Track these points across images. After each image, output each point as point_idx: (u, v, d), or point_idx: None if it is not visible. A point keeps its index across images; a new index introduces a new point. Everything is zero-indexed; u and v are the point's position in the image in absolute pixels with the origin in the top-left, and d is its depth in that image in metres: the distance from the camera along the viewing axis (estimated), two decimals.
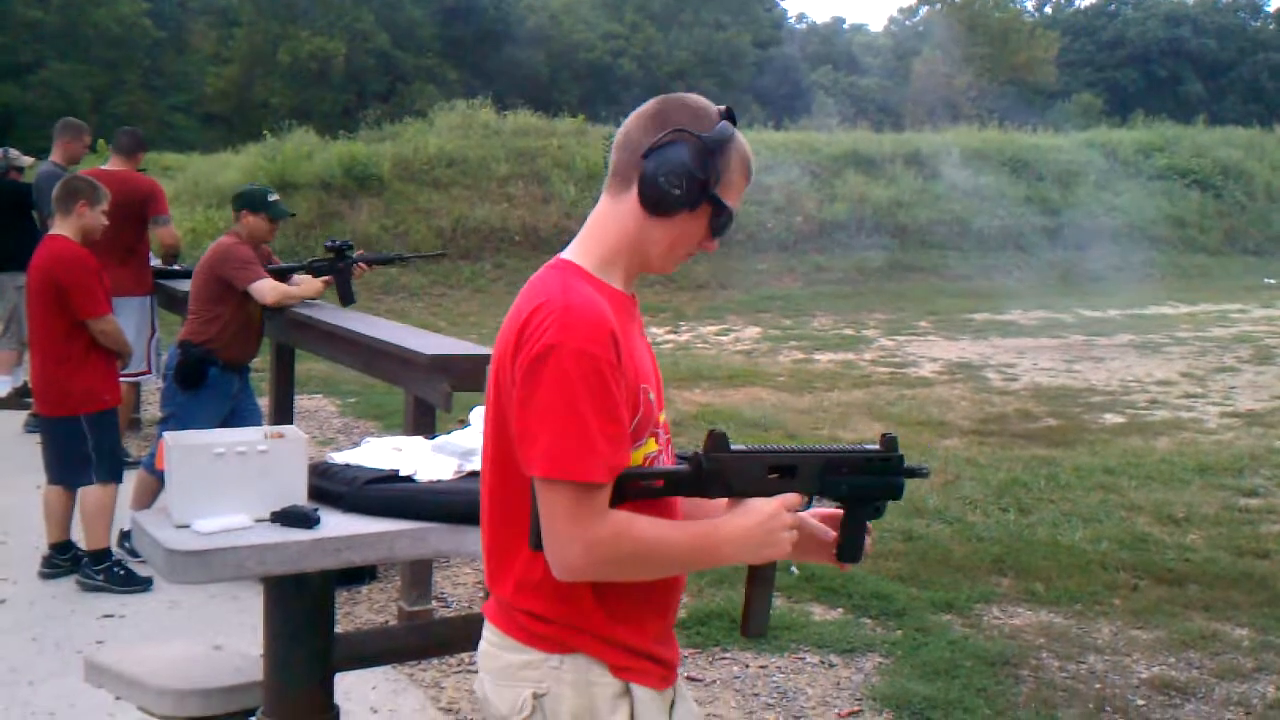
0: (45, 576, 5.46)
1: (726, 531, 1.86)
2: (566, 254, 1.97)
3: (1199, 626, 5.04)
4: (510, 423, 1.83)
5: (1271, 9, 59.25)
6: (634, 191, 1.92)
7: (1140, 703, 4.32)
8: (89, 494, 5.35)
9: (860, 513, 1.99)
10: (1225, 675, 4.55)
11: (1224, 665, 4.64)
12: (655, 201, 1.90)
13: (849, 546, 1.99)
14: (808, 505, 1.95)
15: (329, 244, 6.14)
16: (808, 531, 2.02)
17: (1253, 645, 4.85)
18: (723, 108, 1.98)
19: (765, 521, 1.86)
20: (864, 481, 1.95)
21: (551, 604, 1.88)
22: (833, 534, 2.03)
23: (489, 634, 1.97)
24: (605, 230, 1.96)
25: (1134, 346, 14.18)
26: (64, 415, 5.31)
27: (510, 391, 1.83)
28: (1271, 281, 22.27)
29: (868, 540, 2.01)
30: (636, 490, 1.84)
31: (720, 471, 1.85)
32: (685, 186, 1.89)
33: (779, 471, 1.89)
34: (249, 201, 5.80)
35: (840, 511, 2.01)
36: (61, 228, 5.36)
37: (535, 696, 1.88)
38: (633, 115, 1.98)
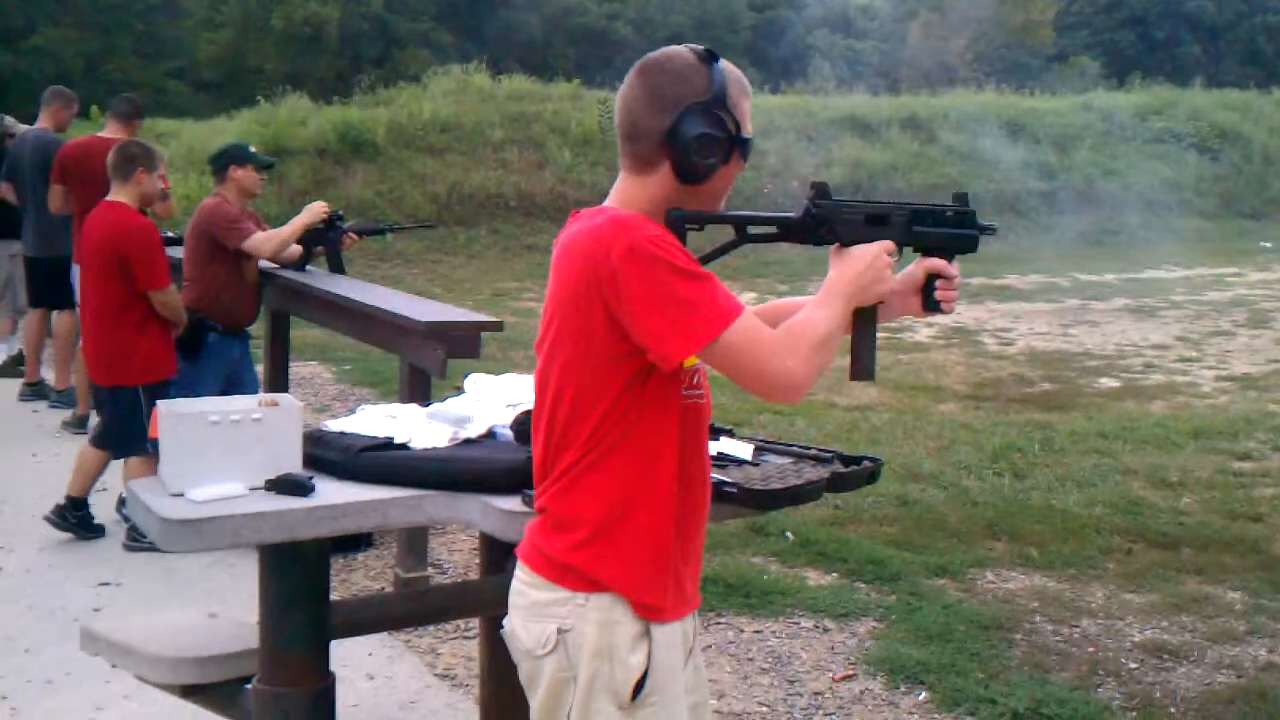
0: (51, 524, 5.46)
1: (842, 281, 2.02)
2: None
3: (1191, 590, 5.07)
4: (630, 333, 1.91)
5: None
6: (664, 170, 2.01)
7: (1133, 666, 4.35)
8: (134, 462, 5.29)
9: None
10: (1217, 639, 4.58)
11: (1216, 629, 4.67)
12: (697, 175, 2.01)
13: (931, 297, 2.13)
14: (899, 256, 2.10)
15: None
16: (900, 279, 2.14)
17: (1245, 609, 4.88)
18: (699, 49, 2.05)
19: (872, 262, 2.03)
20: (944, 232, 2.11)
21: (579, 548, 1.99)
22: (921, 280, 2.14)
23: (520, 572, 2.07)
24: (639, 201, 2.03)
25: (1129, 310, 14.19)
26: (122, 385, 5.28)
27: (605, 311, 1.91)
28: (1268, 245, 22.24)
29: (953, 295, 2.13)
30: (754, 237, 2.08)
31: (827, 218, 2.06)
32: (716, 151, 2.00)
33: (874, 220, 2.07)
34: (234, 156, 5.77)
35: (920, 274, 2.13)
36: (119, 194, 5.30)
37: (560, 632, 1.99)
38: (623, 98, 2.05)
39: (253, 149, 5.89)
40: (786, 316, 2.04)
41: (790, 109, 22.91)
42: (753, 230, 2.09)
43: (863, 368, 2.11)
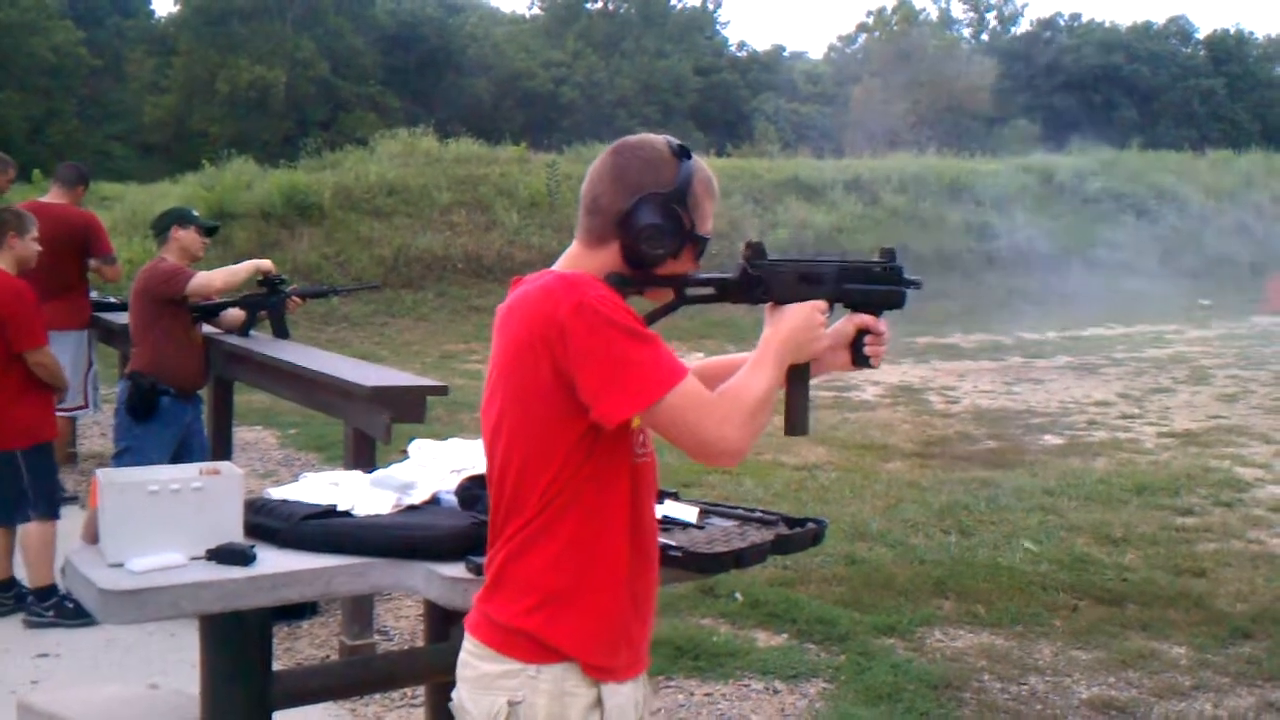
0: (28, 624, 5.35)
1: (778, 339, 2.06)
2: None
3: (1138, 646, 5.10)
4: (574, 390, 1.92)
5: (1202, 35, 60.32)
6: (614, 248, 2.05)
7: None
8: (29, 531, 5.25)
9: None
10: (1164, 694, 4.61)
11: (1162, 684, 4.70)
12: (643, 262, 2.05)
13: (860, 352, 2.17)
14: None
15: (261, 278, 6.07)
16: (830, 335, 2.17)
17: (1190, 664, 4.91)
18: (674, 143, 2.10)
19: (806, 320, 2.07)
20: (873, 289, 2.15)
21: (532, 612, 1.98)
22: (851, 335, 2.17)
23: (468, 643, 2.06)
24: (586, 271, 2.05)
25: (1072, 368, 14.36)
26: (2, 450, 5.22)
27: (552, 367, 1.92)
28: (1206, 303, 22.65)
29: (880, 350, 2.17)
30: (693, 298, 2.12)
31: (762, 277, 2.11)
32: (666, 244, 2.04)
33: (807, 279, 2.12)
34: (176, 217, 5.74)
35: (850, 330, 2.17)
36: None
37: (510, 704, 1.97)
38: (592, 173, 2.10)
39: (195, 212, 5.88)
40: (725, 374, 2.06)
41: (736, 171, 23.14)
42: (691, 291, 2.12)
43: (797, 423, 2.14)
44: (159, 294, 5.55)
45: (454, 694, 2.08)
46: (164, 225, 5.72)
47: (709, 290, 2.14)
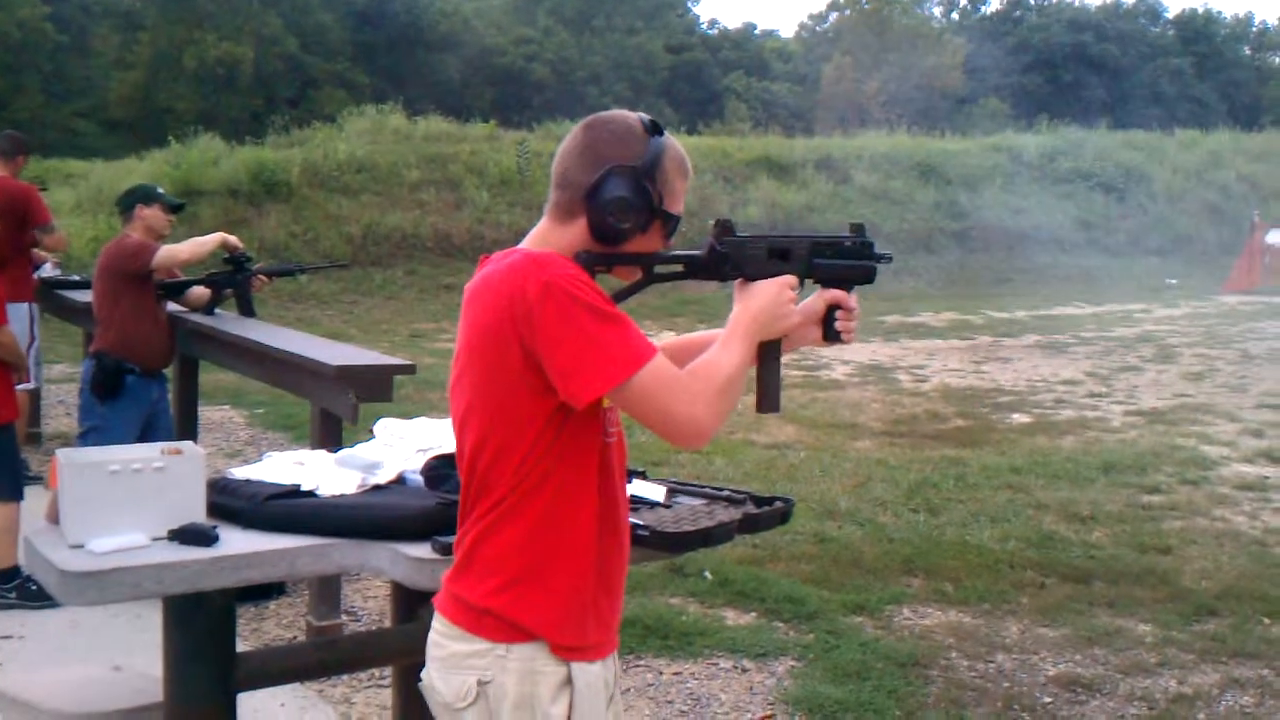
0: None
1: (747, 316, 2.04)
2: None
3: (1104, 623, 5.13)
4: (543, 369, 1.90)
5: (1170, 15, 60.64)
6: (582, 223, 2.03)
7: (1047, 700, 4.38)
8: None
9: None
10: (1129, 671, 4.64)
11: (1128, 661, 4.73)
12: (609, 237, 2.02)
13: (831, 328, 2.16)
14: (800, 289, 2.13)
15: (227, 256, 6.01)
16: (800, 311, 2.15)
17: (1155, 641, 4.95)
18: (646, 119, 2.09)
19: (776, 296, 2.05)
20: (843, 264, 2.14)
21: (500, 591, 1.97)
22: (821, 311, 2.16)
23: (437, 624, 2.04)
24: (554, 247, 2.03)
25: (1040, 347, 14.44)
26: None
27: (520, 347, 1.90)
28: (1173, 282, 22.82)
29: (851, 325, 2.16)
30: (662, 276, 2.09)
31: (731, 254, 2.09)
32: (633, 218, 2.01)
33: (777, 255, 2.10)
34: (141, 196, 5.67)
35: (820, 306, 2.16)
36: None
37: (480, 684, 1.96)
38: (563, 148, 2.08)
39: (160, 190, 5.82)
40: (695, 352, 2.05)
41: (707, 150, 23.13)
42: (659, 269, 2.10)
43: (769, 401, 2.12)
44: (124, 270, 5.49)
45: (423, 674, 2.07)
46: (129, 203, 5.65)
47: (678, 268, 2.11)
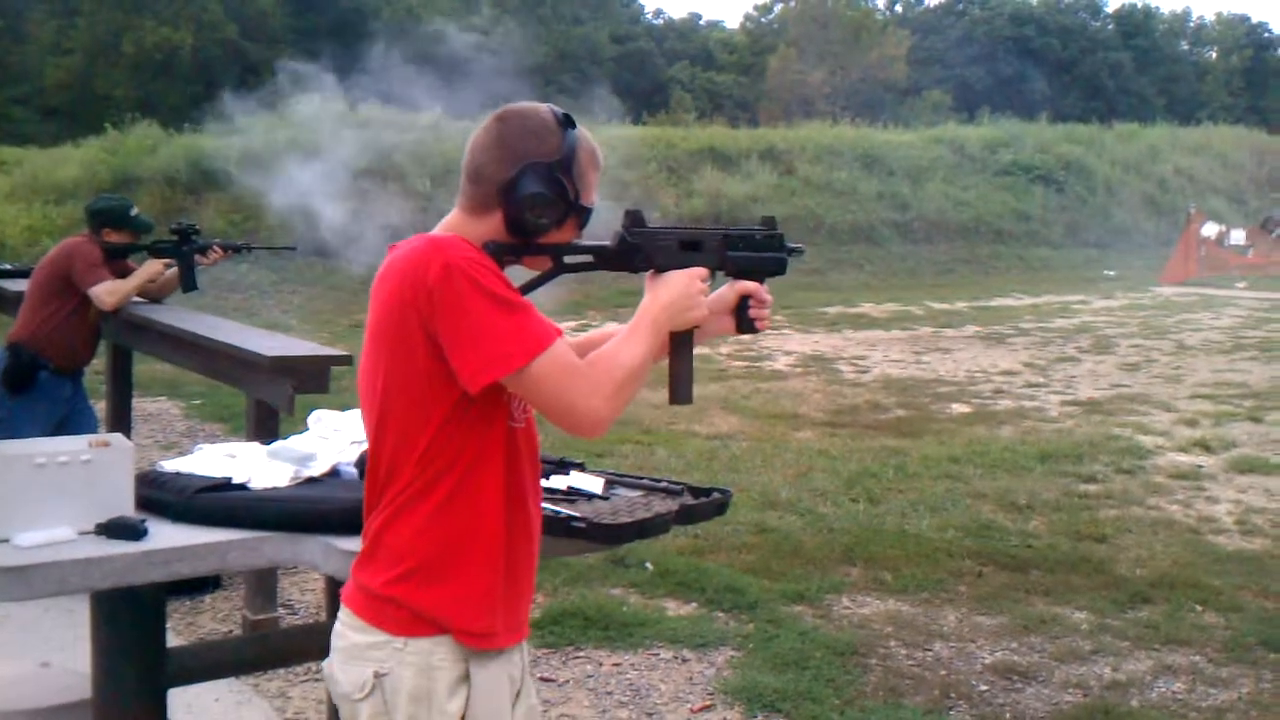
0: None
1: (656, 307, 2.04)
2: None
3: (1040, 611, 5.19)
4: (445, 355, 1.89)
5: (1110, 9, 61.36)
6: (497, 218, 2.02)
7: (983, 688, 4.42)
8: None
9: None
10: (1065, 658, 4.69)
11: (1064, 648, 4.78)
12: (526, 231, 2.02)
13: (745, 318, 2.18)
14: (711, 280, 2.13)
15: (174, 226, 5.89)
16: (711, 302, 2.15)
17: (1090, 628, 5.01)
18: (559, 112, 2.08)
19: (685, 288, 2.05)
20: (755, 256, 2.15)
21: (402, 579, 1.96)
22: (733, 302, 2.17)
23: (342, 613, 2.04)
24: (466, 237, 2.01)
25: (980, 338, 14.58)
26: None
27: (423, 330, 1.89)
28: (1111, 274, 23.12)
29: (764, 314, 2.18)
30: (571, 267, 2.07)
31: (642, 245, 2.08)
32: (551, 213, 2.02)
33: (688, 246, 2.10)
34: (110, 218, 5.52)
35: (732, 296, 2.17)
36: None
37: (376, 676, 1.96)
38: (475, 140, 2.07)
39: (134, 211, 5.64)
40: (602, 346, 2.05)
41: (652, 140, 23.11)
42: (569, 260, 2.08)
43: (680, 392, 2.13)
44: (67, 271, 5.38)
45: (325, 663, 2.08)
46: (96, 223, 5.53)
47: (587, 258, 2.10)
